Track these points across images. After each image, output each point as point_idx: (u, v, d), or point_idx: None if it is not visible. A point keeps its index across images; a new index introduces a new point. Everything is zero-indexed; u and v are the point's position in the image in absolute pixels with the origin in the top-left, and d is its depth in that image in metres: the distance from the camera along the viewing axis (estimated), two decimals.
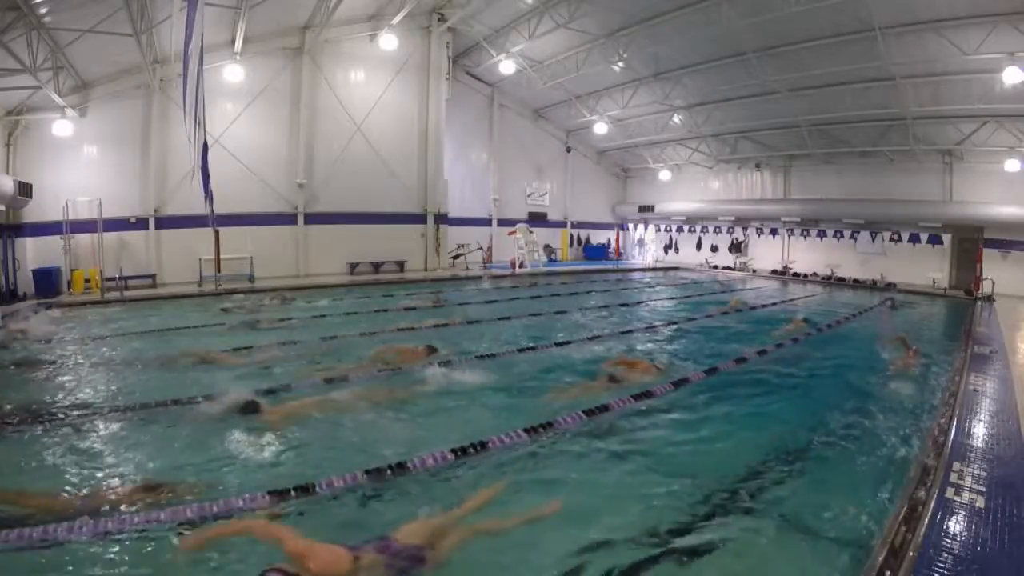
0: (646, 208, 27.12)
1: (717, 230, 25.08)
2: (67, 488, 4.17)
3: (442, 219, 21.23)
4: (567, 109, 24.29)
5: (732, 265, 23.47)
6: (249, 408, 5.45)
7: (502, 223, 24.15)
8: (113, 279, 14.46)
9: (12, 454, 4.79)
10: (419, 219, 21.05)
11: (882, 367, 7.96)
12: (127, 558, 3.32)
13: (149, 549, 3.39)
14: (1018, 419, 5.31)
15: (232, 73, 16.87)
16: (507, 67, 20.36)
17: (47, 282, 14.07)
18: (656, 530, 3.71)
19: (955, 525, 3.37)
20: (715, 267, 23.94)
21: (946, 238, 18.13)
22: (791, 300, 15.90)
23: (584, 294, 16.27)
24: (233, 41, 16.33)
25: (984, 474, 4.08)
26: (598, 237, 28.55)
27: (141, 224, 16.29)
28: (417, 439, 5.16)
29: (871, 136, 18.42)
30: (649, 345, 9.51)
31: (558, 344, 9.18)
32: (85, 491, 4.10)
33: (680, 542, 3.60)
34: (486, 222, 24.24)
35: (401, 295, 15.16)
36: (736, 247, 24.24)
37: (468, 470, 4.52)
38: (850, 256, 20.41)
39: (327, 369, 7.43)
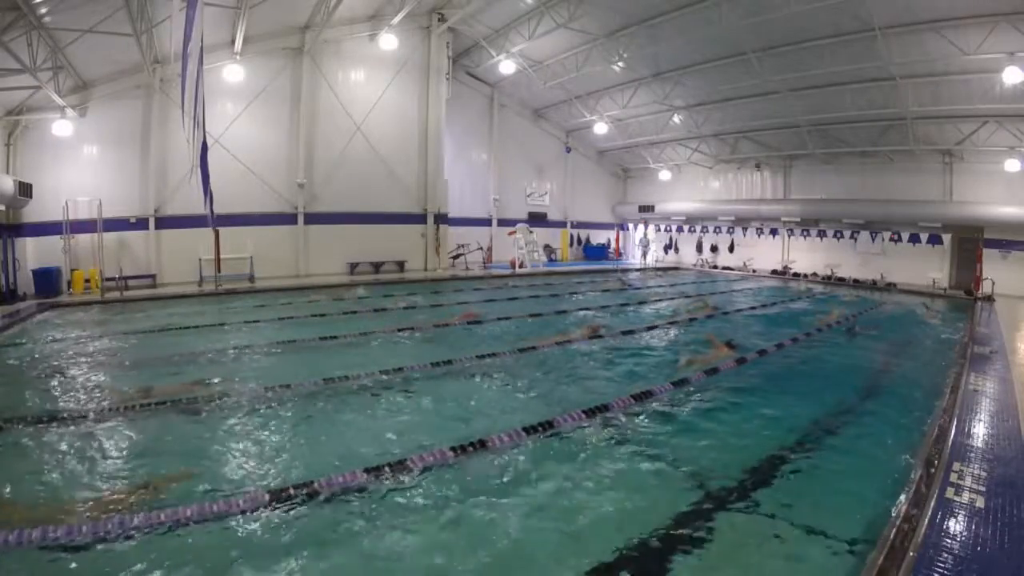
0: (646, 208, 27.12)
1: (717, 230, 25.11)
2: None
3: (442, 219, 21.22)
4: (567, 109, 24.30)
5: (730, 265, 23.53)
6: None
7: (502, 223, 24.16)
8: (113, 279, 14.46)
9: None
10: (419, 219, 21.06)
11: (878, 368, 7.96)
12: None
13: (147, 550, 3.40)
14: (1018, 419, 5.32)
15: (232, 73, 16.88)
16: (507, 67, 20.38)
17: (47, 282, 14.08)
18: (654, 528, 3.71)
19: (955, 525, 3.37)
20: (715, 267, 24.00)
21: (946, 238, 18.14)
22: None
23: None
24: (233, 41, 16.34)
25: (984, 474, 4.08)
26: (598, 237, 28.56)
27: (141, 224, 16.29)
28: None
29: (871, 136, 18.42)
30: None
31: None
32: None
33: (678, 541, 3.60)
34: (486, 222, 24.25)
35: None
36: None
37: (468, 467, 4.54)
38: (850, 256, 20.42)
39: None
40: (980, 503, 3.64)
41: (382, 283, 17.46)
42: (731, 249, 24.31)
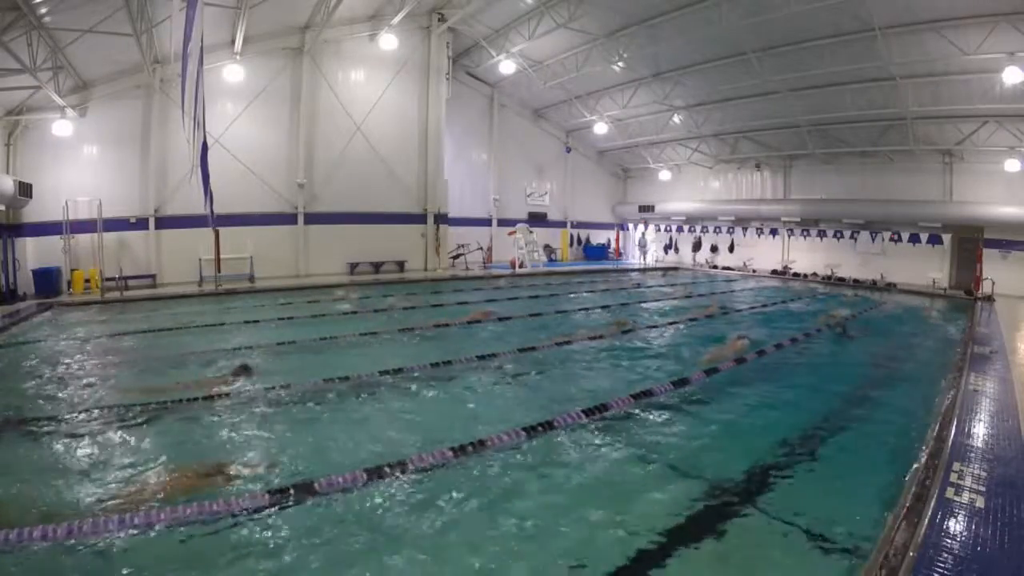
0: (646, 208, 27.11)
1: (717, 230, 25.12)
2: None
3: (442, 219, 21.22)
4: (567, 109, 24.30)
5: (730, 265, 23.54)
6: None
7: (502, 223, 24.15)
8: (113, 279, 14.45)
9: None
10: (419, 219, 21.05)
11: (879, 367, 7.96)
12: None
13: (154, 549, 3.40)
14: (1018, 419, 5.31)
15: (232, 73, 16.88)
16: (507, 67, 20.39)
17: (47, 282, 14.07)
18: (654, 528, 3.71)
19: (955, 525, 3.37)
20: (715, 267, 24.00)
21: (946, 238, 18.12)
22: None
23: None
24: (233, 41, 16.33)
25: (984, 474, 4.08)
26: (598, 237, 28.55)
27: (141, 224, 16.29)
28: None
29: (871, 136, 18.42)
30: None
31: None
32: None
33: (678, 541, 3.60)
34: (486, 222, 24.24)
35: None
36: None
37: (466, 467, 4.53)
38: (850, 256, 20.41)
39: None
40: (980, 503, 3.64)
41: (382, 283, 17.46)
42: (731, 249, 24.32)
